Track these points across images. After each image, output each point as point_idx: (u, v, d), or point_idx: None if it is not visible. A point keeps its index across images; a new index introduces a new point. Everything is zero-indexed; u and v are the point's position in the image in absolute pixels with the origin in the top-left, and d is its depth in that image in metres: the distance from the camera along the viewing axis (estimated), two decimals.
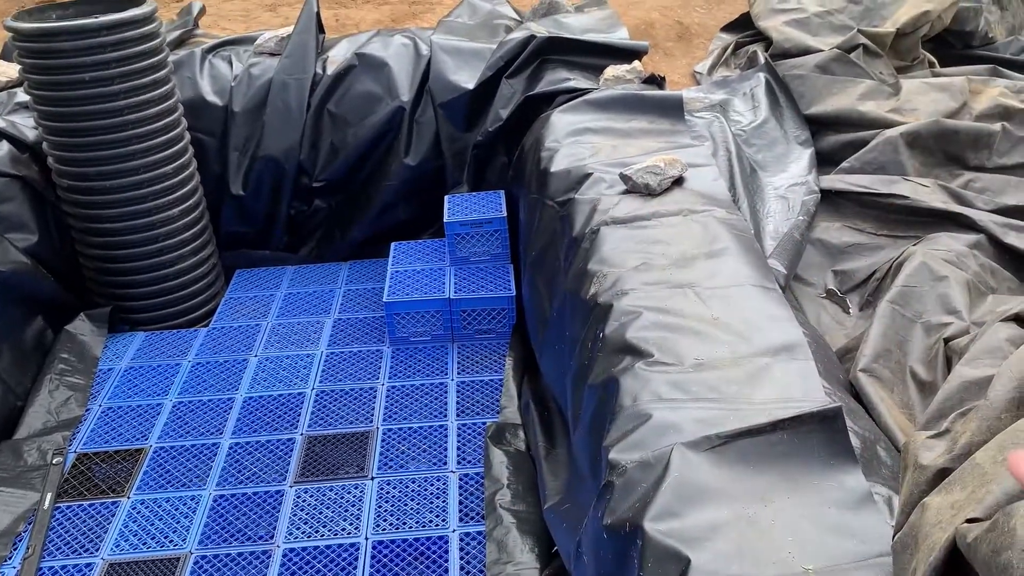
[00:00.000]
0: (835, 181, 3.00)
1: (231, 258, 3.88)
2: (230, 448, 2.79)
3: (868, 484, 1.54)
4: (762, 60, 3.65)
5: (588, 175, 2.75)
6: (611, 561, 1.59)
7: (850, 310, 2.59)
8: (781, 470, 1.57)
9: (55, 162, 3.22)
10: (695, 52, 4.01)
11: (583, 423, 2.06)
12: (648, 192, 2.59)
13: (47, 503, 2.56)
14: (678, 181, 2.64)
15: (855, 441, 1.65)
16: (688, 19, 4.20)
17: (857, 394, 2.03)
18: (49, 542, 2.45)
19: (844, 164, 3.09)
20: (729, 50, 3.94)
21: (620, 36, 3.81)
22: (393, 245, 3.66)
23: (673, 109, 3.17)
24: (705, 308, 2.05)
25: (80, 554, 2.41)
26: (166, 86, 3.24)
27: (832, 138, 3.25)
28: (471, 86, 3.63)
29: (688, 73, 3.81)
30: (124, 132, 3.13)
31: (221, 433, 2.87)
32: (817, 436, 1.61)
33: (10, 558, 2.39)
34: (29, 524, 2.50)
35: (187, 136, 3.41)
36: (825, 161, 3.16)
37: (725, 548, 1.44)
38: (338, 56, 3.78)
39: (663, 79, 3.49)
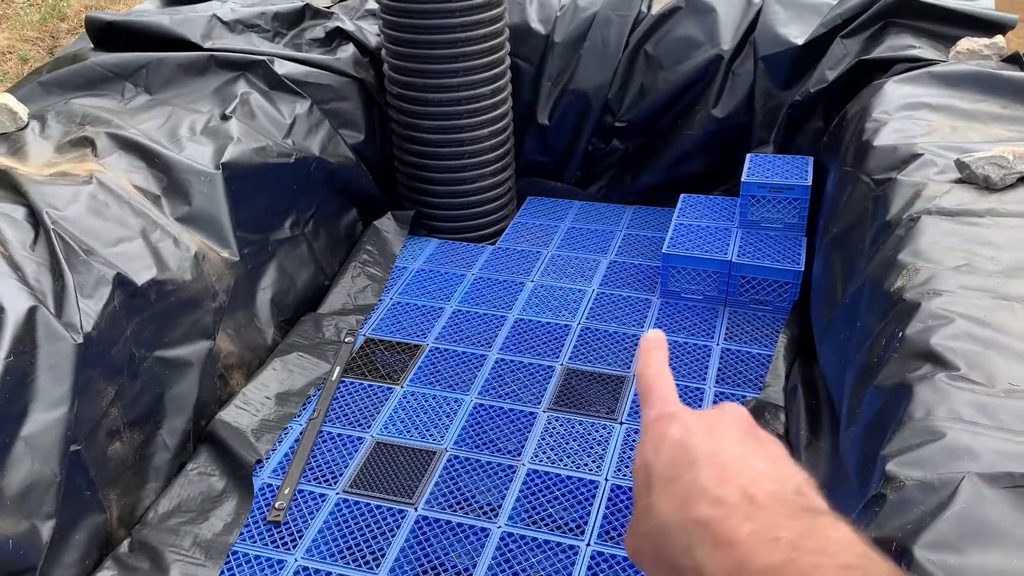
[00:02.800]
0: None
1: (525, 184, 4.02)
2: (495, 362, 2.94)
3: None
4: None
5: (917, 155, 2.49)
6: None
7: None
8: None
9: (389, 69, 3.49)
10: None
11: (859, 423, 1.91)
12: (986, 185, 2.29)
13: (335, 375, 2.86)
14: None
15: None
16: None
17: None
18: (331, 410, 2.74)
19: None
20: None
21: (984, 5, 3.36)
22: (682, 197, 3.58)
23: None
24: None
25: (355, 427, 2.68)
26: (497, 9, 3.36)
27: None
28: (800, 41, 3.41)
29: None
30: (453, 49, 3.30)
31: (490, 347, 3.02)
32: None
33: (299, 416, 2.71)
34: (318, 390, 2.81)
35: (508, 60, 3.54)
36: None
37: None
38: None
39: None
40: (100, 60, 3.05)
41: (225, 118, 2.96)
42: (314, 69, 3.38)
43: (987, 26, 3.21)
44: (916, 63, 3.05)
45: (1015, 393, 1.64)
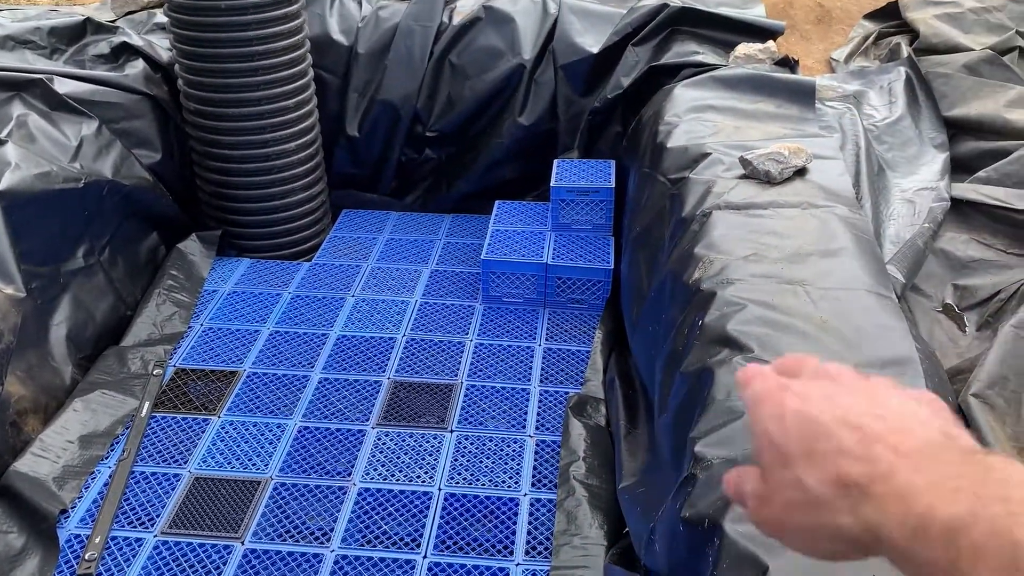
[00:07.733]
0: (968, 191, 2.82)
1: (339, 198, 3.95)
2: (319, 382, 2.87)
3: None
4: (905, 53, 3.45)
5: (706, 155, 2.67)
6: (685, 554, 1.57)
7: (967, 329, 2.44)
8: None
9: (184, 84, 3.32)
10: (834, 37, 3.82)
11: (670, 409, 2.02)
12: (767, 180, 2.49)
13: (144, 411, 2.69)
14: (801, 172, 2.53)
15: None
16: (830, 2, 4.00)
17: (966, 419, 1.92)
18: (143, 448, 2.57)
19: (980, 174, 2.89)
20: (871, 39, 3.74)
21: (756, 13, 3.66)
22: (497, 203, 3.65)
23: (804, 95, 3.04)
24: (814, 309, 1.96)
25: (170, 464, 2.53)
26: (296, 21, 3.28)
27: (971, 145, 3.05)
28: (595, 50, 3.56)
29: (824, 59, 3.64)
30: (252, 62, 3.19)
31: (312, 367, 2.95)
32: None
33: (107, 458, 2.52)
34: (127, 429, 2.63)
35: (311, 72, 3.46)
36: (960, 168, 2.97)
37: (805, 560, 1.39)
38: (465, 7, 3.76)
39: (796, 62, 3.34)
40: None
41: (0, 143, 2.71)
42: (100, 87, 3.16)
43: (760, 32, 3.50)
44: (701, 68, 3.28)
45: None
